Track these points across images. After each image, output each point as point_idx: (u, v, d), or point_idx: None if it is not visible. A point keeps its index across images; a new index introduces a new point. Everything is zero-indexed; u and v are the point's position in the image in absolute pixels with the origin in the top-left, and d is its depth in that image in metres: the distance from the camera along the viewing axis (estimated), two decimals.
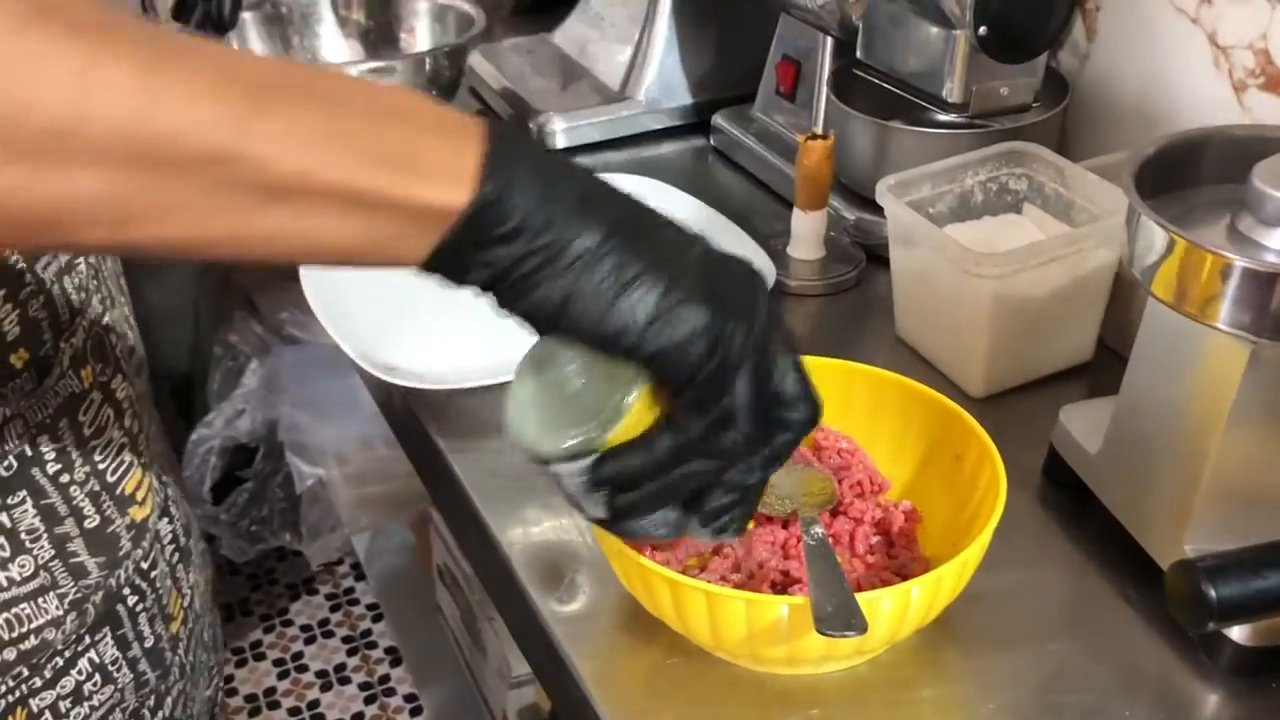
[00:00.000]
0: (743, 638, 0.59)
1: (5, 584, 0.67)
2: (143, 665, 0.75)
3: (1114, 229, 0.81)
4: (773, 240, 0.99)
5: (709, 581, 0.63)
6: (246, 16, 1.24)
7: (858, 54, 1.04)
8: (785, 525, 0.69)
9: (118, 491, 0.73)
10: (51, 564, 0.69)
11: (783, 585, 0.66)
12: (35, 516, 0.68)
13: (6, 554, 0.67)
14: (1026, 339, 0.83)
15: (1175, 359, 0.64)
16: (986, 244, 0.86)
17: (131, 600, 0.74)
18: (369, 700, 1.78)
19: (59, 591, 0.70)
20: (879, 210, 0.90)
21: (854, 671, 0.64)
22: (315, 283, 0.95)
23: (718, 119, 1.19)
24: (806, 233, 0.96)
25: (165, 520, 0.76)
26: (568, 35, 1.32)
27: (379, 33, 1.30)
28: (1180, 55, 0.95)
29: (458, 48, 1.18)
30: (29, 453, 0.68)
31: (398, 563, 1.87)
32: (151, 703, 0.76)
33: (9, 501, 0.67)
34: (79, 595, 0.70)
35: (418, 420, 0.85)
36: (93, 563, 0.71)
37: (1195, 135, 0.66)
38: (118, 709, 0.74)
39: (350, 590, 1.95)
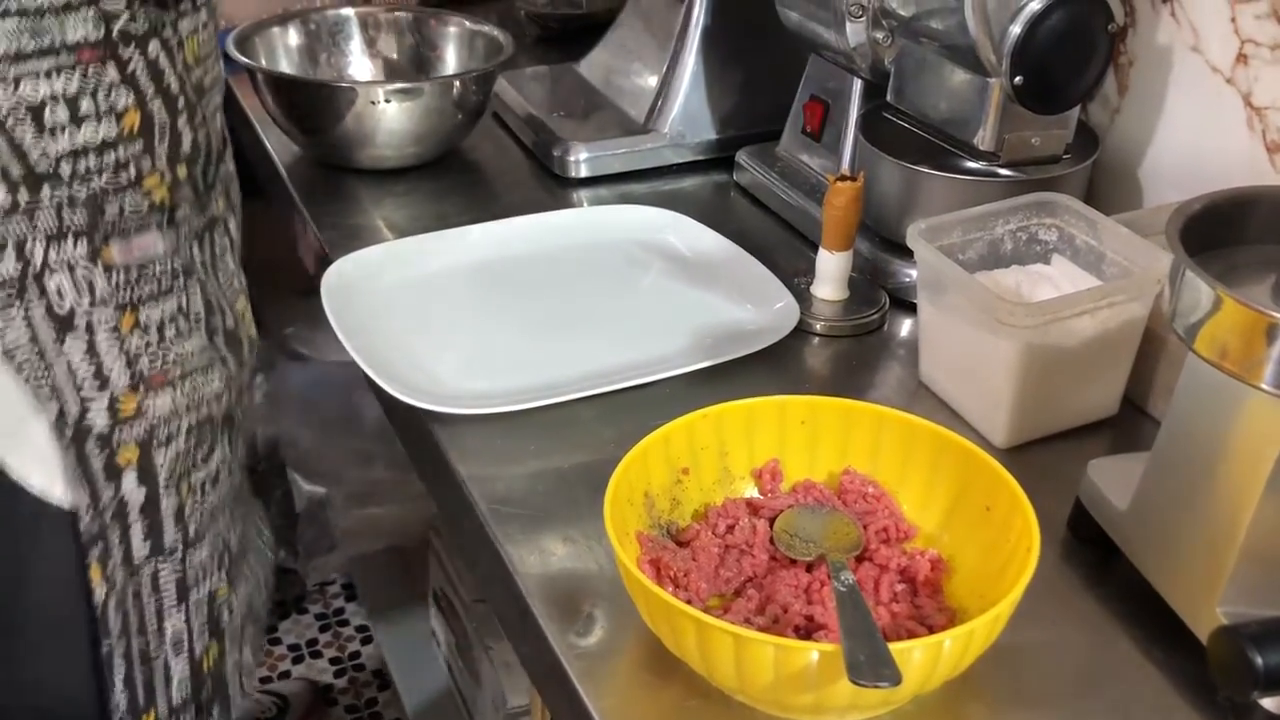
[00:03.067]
0: (769, 683, 0.58)
1: (188, 354, 0.85)
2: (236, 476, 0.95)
3: (1146, 284, 0.81)
4: (797, 279, 0.98)
5: (734, 623, 0.62)
6: (275, 32, 1.24)
7: (888, 97, 1.04)
8: (809, 569, 0.68)
9: (236, 306, 0.92)
10: (210, 346, 0.87)
11: (807, 630, 0.64)
12: (200, 303, 0.86)
13: (186, 331, 0.84)
14: (1054, 391, 0.82)
15: (1214, 418, 0.63)
16: (1014, 293, 0.86)
17: (238, 414, 0.92)
18: None
19: (221, 371, 0.88)
20: (903, 252, 0.90)
21: None
22: (334, 299, 0.94)
23: (742, 155, 1.19)
24: (832, 273, 0.96)
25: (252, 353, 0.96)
26: (593, 65, 1.32)
27: (407, 54, 1.30)
28: (1213, 114, 0.94)
29: (485, 73, 1.18)
30: (194, 251, 0.85)
31: (391, 586, 1.85)
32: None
33: (186, 285, 0.84)
34: (228, 379, 0.89)
35: (435, 444, 0.83)
36: (232, 360, 0.90)
37: (1242, 193, 0.66)
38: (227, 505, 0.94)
39: (340, 611, 1.93)
